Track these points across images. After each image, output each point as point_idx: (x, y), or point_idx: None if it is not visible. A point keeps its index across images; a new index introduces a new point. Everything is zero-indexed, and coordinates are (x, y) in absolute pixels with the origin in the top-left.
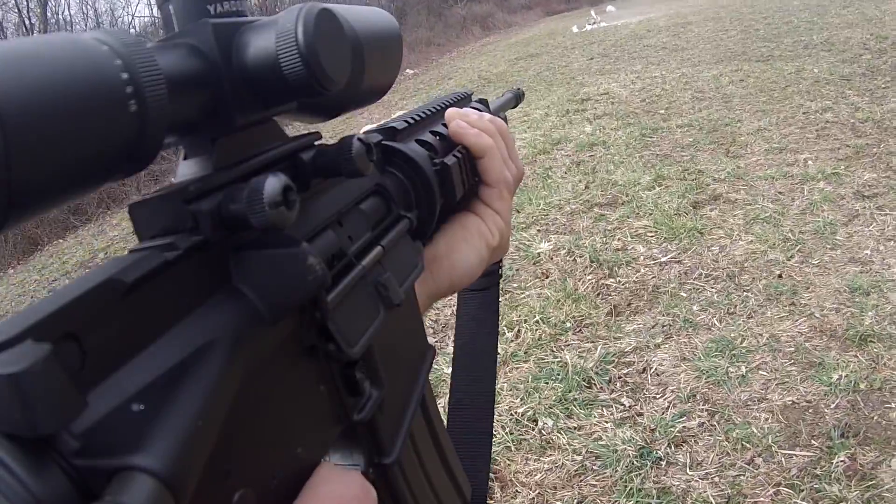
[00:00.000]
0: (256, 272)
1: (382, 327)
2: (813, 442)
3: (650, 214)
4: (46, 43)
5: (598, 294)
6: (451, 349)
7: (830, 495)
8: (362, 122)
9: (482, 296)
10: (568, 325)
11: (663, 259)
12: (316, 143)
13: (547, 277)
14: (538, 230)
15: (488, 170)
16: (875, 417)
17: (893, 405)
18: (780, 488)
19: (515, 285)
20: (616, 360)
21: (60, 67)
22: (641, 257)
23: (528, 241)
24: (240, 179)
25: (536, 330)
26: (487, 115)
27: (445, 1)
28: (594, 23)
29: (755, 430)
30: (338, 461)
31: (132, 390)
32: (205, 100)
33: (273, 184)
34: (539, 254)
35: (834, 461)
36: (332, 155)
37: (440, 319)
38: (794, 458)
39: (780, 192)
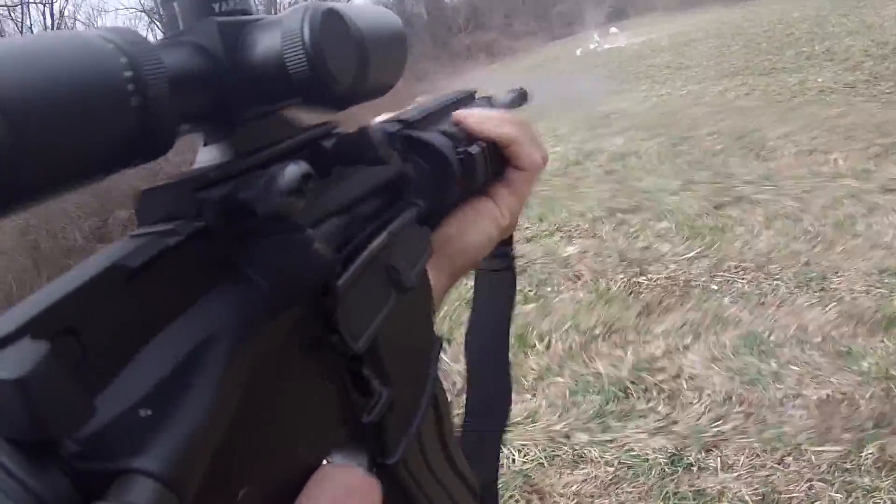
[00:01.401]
0: (263, 259)
1: (393, 315)
2: (844, 435)
3: (671, 215)
4: (52, 40)
5: (631, 293)
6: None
7: (863, 486)
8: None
9: (497, 276)
10: (598, 331)
11: (690, 255)
12: (334, 131)
13: (579, 279)
14: (561, 237)
15: (519, 155)
16: None
17: None
18: (813, 482)
19: (549, 289)
20: (648, 367)
21: (65, 65)
22: (668, 254)
23: (554, 245)
24: (258, 166)
25: (567, 340)
26: (497, 110)
27: (449, 30)
28: (596, 45)
29: (788, 430)
30: (340, 461)
31: (135, 389)
32: (211, 94)
33: (293, 171)
34: (568, 256)
35: (863, 454)
36: (355, 143)
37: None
38: (824, 454)
39: (805, 191)
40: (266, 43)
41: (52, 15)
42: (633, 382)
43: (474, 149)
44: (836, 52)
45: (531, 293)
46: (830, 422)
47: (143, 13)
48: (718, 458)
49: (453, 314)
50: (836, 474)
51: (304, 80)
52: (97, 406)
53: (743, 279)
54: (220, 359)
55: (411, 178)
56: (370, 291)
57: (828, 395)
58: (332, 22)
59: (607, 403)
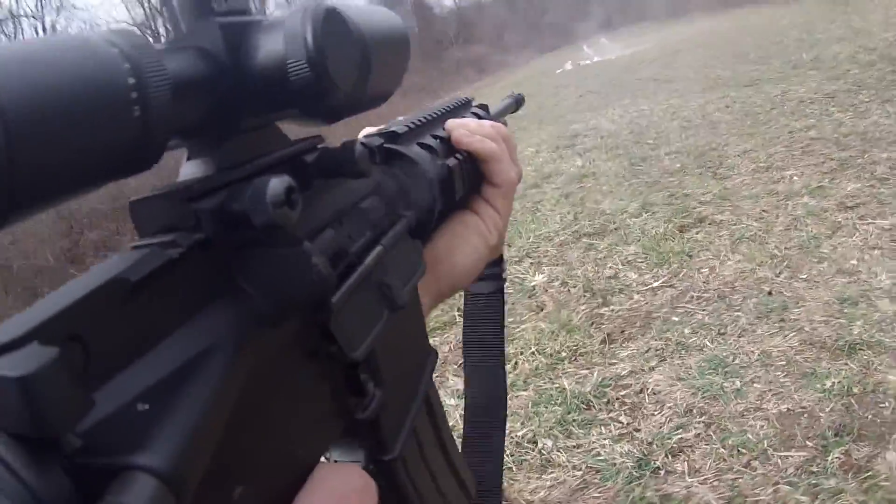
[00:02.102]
0: (260, 271)
1: (386, 330)
2: (808, 443)
3: (638, 241)
4: (57, 43)
5: (592, 324)
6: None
7: (828, 488)
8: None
9: (489, 300)
10: (563, 354)
11: (655, 284)
12: (318, 146)
13: (542, 310)
14: (531, 263)
15: (495, 172)
16: (869, 416)
17: (887, 405)
18: (779, 486)
19: (511, 319)
20: (613, 384)
21: (70, 70)
22: (634, 283)
23: (523, 273)
24: (243, 179)
25: (533, 361)
26: (488, 122)
27: (440, 42)
28: (588, 61)
29: (751, 437)
30: (339, 458)
31: (136, 391)
32: (210, 104)
33: (276, 183)
34: (534, 286)
35: (829, 458)
36: (335, 157)
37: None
38: (791, 458)
39: (763, 211)
40: (269, 46)
41: (44, 29)
42: (595, 397)
43: (451, 161)
44: (823, 60)
45: None
46: (791, 431)
47: (134, 27)
48: (686, 463)
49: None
50: (802, 477)
51: (305, 84)
52: (99, 405)
53: (704, 310)
54: (217, 364)
55: (392, 190)
56: (364, 306)
57: (788, 409)
58: (334, 24)
59: (569, 413)
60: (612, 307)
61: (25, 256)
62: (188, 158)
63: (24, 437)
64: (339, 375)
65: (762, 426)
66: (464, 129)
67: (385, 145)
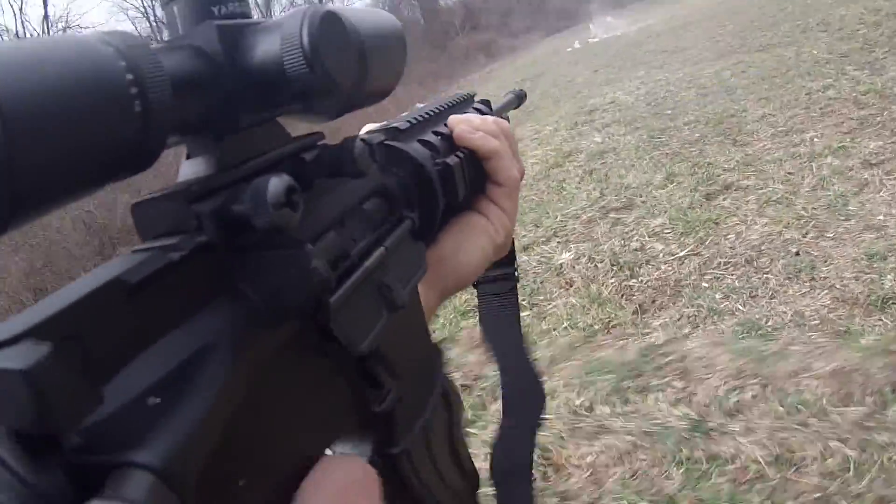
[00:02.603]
0: (260, 273)
1: (387, 329)
2: (867, 398)
3: (665, 212)
4: (52, 43)
5: (622, 296)
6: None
7: (878, 443)
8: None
9: (502, 299)
10: (596, 327)
11: (681, 253)
12: (318, 143)
13: (571, 286)
14: (558, 242)
15: (498, 170)
16: None
17: None
18: (829, 442)
19: (542, 297)
20: (652, 353)
21: (65, 68)
22: (661, 255)
23: (550, 253)
24: (243, 179)
25: (567, 335)
26: (490, 118)
27: (447, 33)
28: (594, 38)
29: (808, 396)
30: (345, 451)
31: (134, 389)
32: (209, 101)
33: (276, 184)
34: (561, 265)
35: (889, 413)
36: (335, 155)
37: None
38: (849, 413)
39: (789, 173)
40: (265, 46)
41: None
42: (644, 363)
43: (452, 159)
44: (830, 23)
45: (524, 302)
46: (849, 388)
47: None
48: (742, 423)
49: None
50: (854, 433)
51: (302, 83)
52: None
53: (732, 275)
54: (216, 362)
55: (393, 189)
56: (363, 307)
57: (840, 367)
58: (331, 25)
59: (622, 381)
60: (640, 278)
61: (59, 277)
62: (188, 157)
63: (22, 433)
64: (351, 368)
65: (817, 385)
66: (466, 125)
67: (385, 142)
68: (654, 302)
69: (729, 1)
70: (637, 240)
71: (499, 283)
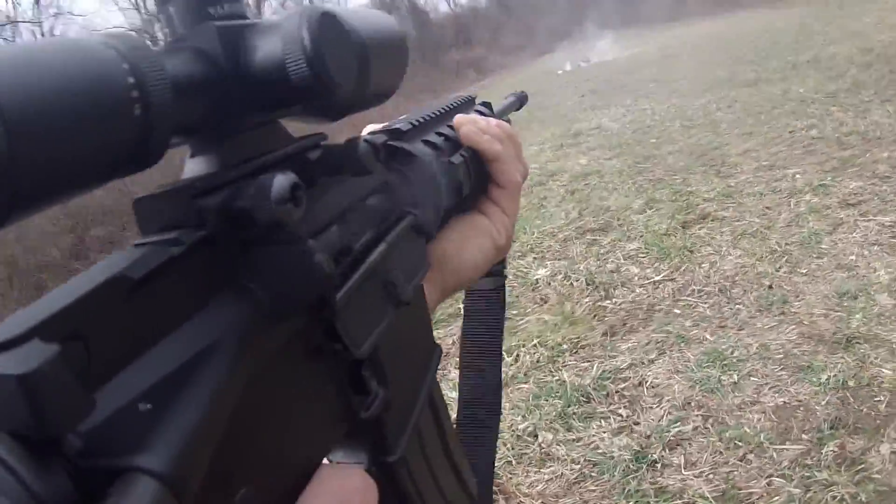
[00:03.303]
0: (263, 269)
1: (390, 326)
2: (803, 436)
3: (641, 237)
4: (55, 46)
5: (595, 316)
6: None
7: (821, 481)
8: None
9: (489, 296)
10: (564, 346)
11: (657, 278)
12: (322, 143)
13: (545, 302)
14: (534, 258)
15: (501, 172)
16: (864, 409)
17: (882, 398)
18: (773, 479)
19: (515, 311)
20: (612, 377)
21: (68, 70)
22: (636, 277)
23: (526, 268)
24: (247, 176)
25: (535, 353)
26: (494, 121)
27: (439, 47)
28: (585, 63)
29: (748, 430)
30: (342, 459)
31: (138, 390)
32: (210, 104)
33: (281, 181)
34: (537, 280)
35: (824, 451)
36: (339, 155)
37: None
38: (786, 451)
39: (767, 208)
40: (267, 48)
41: (42, 33)
42: (594, 389)
43: (457, 159)
44: (820, 61)
45: None
46: (788, 424)
47: (132, 32)
48: (682, 456)
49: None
50: (796, 470)
51: (304, 84)
52: (100, 405)
53: (705, 303)
54: (220, 363)
55: (397, 188)
56: (368, 303)
57: (784, 402)
58: (330, 25)
59: (569, 406)
60: (614, 300)
61: (31, 252)
62: (191, 156)
63: (24, 437)
64: (342, 374)
65: (759, 419)
66: (473, 125)
67: (389, 142)
68: (624, 324)
69: (720, 32)
70: (613, 262)
71: (487, 279)
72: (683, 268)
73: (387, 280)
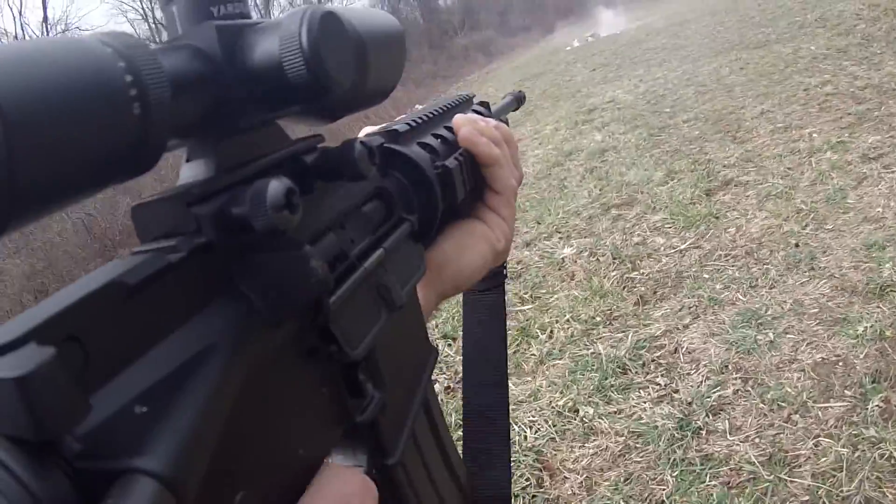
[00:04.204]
0: (259, 275)
1: (384, 330)
2: (846, 392)
3: (666, 207)
4: (51, 45)
5: (624, 287)
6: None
7: (869, 438)
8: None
9: (489, 298)
10: (598, 319)
11: (682, 246)
12: (318, 145)
13: (573, 279)
14: (560, 238)
15: (497, 178)
16: None
17: None
18: (820, 439)
19: (544, 290)
20: (648, 345)
21: (65, 69)
22: (662, 248)
23: (551, 248)
24: (243, 182)
25: (568, 328)
26: (493, 122)
27: (446, 33)
28: (592, 35)
29: (789, 390)
30: (340, 462)
31: (135, 393)
32: (208, 102)
33: (276, 187)
34: (563, 259)
35: (869, 407)
36: (335, 158)
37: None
38: (830, 409)
39: (788, 168)
40: (264, 46)
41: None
42: (630, 360)
43: (451, 162)
44: (828, 19)
45: (527, 296)
46: (829, 381)
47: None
48: (727, 421)
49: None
50: (843, 428)
51: (302, 83)
52: (97, 406)
53: (733, 266)
54: (216, 367)
55: (392, 192)
56: (363, 307)
57: (823, 359)
58: (330, 24)
59: (606, 378)
60: (641, 271)
61: (61, 279)
62: (188, 160)
63: (23, 440)
64: (338, 377)
65: (799, 377)
66: (473, 126)
67: (385, 145)
68: (655, 293)
69: None
70: (638, 234)
71: (487, 282)
72: (709, 234)
73: (381, 285)
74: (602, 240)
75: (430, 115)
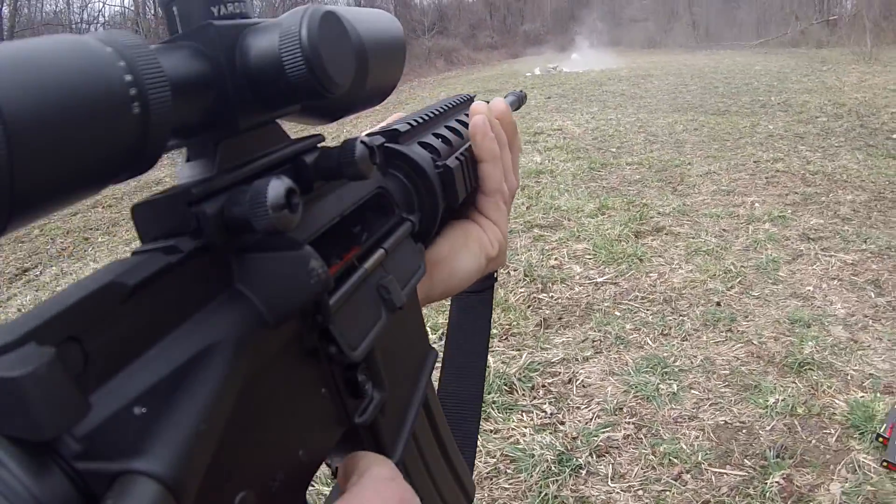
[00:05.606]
0: (259, 275)
1: (384, 330)
2: (746, 461)
3: (590, 239)
4: (50, 44)
5: (530, 307)
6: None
7: None
8: (368, 124)
9: (478, 298)
10: (495, 331)
11: (599, 279)
12: (318, 145)
13: None
14: None
15: (487, 177)
16: (813, 441)
17: (832, 431)
18: None
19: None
20: (541, 370)
21: (65, 69)
22: (577, 276)
23: None
24: (243, 182)
25: None
26: (509, 118)
27: (414, 31)
28: (556, 67)
29: (684, 447)
30: (340, 463)
31: (134, 393)
32: (208, 102)
33: (276, 186)
34: None
35: (768, 482)
36: (335, 157)
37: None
38: (726, 476)
39: (724, 230)
40: (264, 45)
41: None
42: (519, 380)
43: (453, 162)
44: (791, 105)
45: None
46: (728, 446)
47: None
48: (611, 466)
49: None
50: (736, 499)
51: (301, 82)
52: (97, 408)
53: (648, 310)
54: (215, 367)
55: (392, 192)
56: (363, 307)
57: (725, 422)
58: (330, 24)
59: (489, 394)
60: (551, 294)
61: None
62: (188, 160)
63: (23, 440)
64: (337, 378)
65: (697, 436)
66: (485, 122)
67: (386, 145)
68: (560, 319)
69: (697, 64)
70: (556, 258)
71: (479, 283)
72: (629, 274)
73: (381, 285)
74: (518, 255)
75: (431, 115)
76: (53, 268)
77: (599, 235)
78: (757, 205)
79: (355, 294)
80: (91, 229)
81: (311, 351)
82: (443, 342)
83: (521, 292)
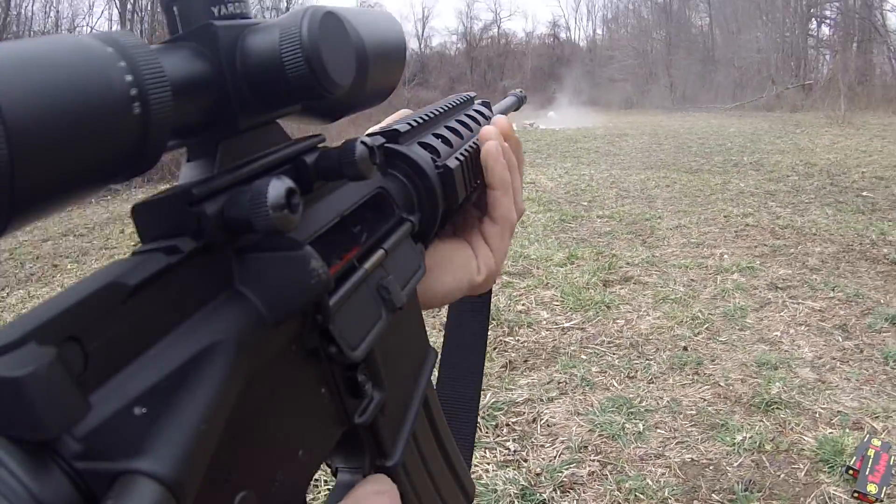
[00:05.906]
0: (259, 275)
1: (384, 330)
2: (714, 496)
3: (559, 287)
4: (51, 44)
5: (496, 349)
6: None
7: None
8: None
9: (473, 305)
10: None
11: (566, 324)
12: (319, 145)
13: (443, 329)
14: None
15: (499, 205)
16: (782, 475)
17: (801, 466)
18: None
19: None
20: (506, 409)
21: (65, 69)
22: (544, 321)
23: None
24: (243, 182)
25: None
26: (513, 135)
27: None
28: (532, 123)
29: (650, 483)
30: (340, 464)
31: (134, 393)
32: (209, 102)
33: (277, 186)
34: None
35: None
36: (335, 158)
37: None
38: None
39: (692, 280)
40: (265, 45)
41: None
42: (483, 418)
43: (453, 162)
44: (763, 165)
45: None
46: (696, 482)
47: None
48: (575, 501)
49: None
50: None
51: (302, 82)
52: (97, 408)
53: (614, 354)
54: (215, 368)
55: (392, 192)
56: (363, 308)
57: (692, 459)
58: (330, 24)
59: None
60: (518, 337)
61: None
62: (188, 160)
63: (23, 440)
64: (337, 378)
65: (663, 473)
66: (497, 152)
67: (386, 145)
68: (526, 361)
69: (672, 125)
70: (524, 304)
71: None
72: (597, 320)
73: (381, 285)
74: None
75: (432, 115)
76: (21, 291)
77: (568, 283)
78: (726, 256)
79: (355, 294)
80: (61, 256)
81: (311, 351)
82: (442, 342)
83: (489, 335)
